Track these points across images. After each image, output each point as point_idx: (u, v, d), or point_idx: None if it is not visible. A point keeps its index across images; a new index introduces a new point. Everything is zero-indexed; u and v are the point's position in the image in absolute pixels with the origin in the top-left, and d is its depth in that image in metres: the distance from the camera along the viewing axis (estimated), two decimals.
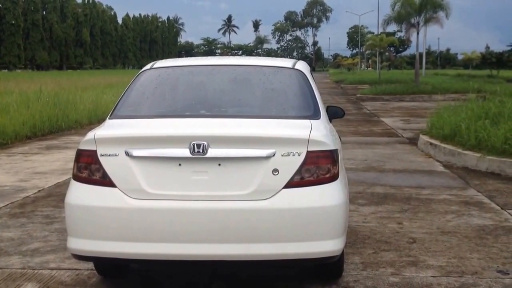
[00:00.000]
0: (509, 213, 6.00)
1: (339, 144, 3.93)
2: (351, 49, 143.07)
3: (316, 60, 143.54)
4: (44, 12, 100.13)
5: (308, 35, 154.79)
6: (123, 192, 3.46)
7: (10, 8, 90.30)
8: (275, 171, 3.42)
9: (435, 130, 10.63)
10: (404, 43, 78.89)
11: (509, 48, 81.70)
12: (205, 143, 3.39)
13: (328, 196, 3.48)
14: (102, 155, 3.51)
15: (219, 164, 3.43)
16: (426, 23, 31.51)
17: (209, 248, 3.41)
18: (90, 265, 4.30)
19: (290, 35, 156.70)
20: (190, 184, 3.43)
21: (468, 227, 5.49)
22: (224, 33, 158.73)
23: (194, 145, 3.38)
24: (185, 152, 3.40)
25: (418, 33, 31.67)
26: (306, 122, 3.74)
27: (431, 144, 10.03)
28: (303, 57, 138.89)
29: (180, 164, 3.44)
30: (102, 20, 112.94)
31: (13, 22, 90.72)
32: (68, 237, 3.64)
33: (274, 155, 3.41)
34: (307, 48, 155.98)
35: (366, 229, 5.45)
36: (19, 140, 12.37)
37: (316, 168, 3.46)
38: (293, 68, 4.47)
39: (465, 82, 32.64)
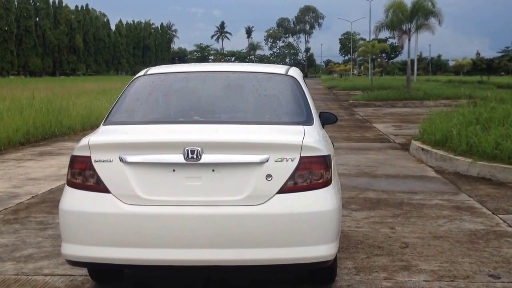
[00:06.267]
0: (500, 218, 6.05)
1: (332, 150, 3.96)
2: (344, 55, 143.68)
3: (309, 67, 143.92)
4: (37, 19, 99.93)
5: (300, 41, 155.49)
6: (117, 198, 3.47)
7: (3, 14, 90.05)
8: (269, 176, 3.44)
9: (427, 135, 10.69)
10: (396, 50, 79.41)
11: (499, 54, 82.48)
12: (199, 149, 3.41)
13: (321, 202, 3.51)
14: (96, 161, 3.52)
15: (213, 170, 3.45)
16: (417, 30, 31.74)
17: (203, 253, 3.42)
18: (84, 271, 4.30)
19: (283, 41, 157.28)
20: (184, 189, 3.46)
21: (460, 232, 5.54)
22: (217, 40, 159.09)
23: (188, 151, 3.41)
24: (179, 158, 3.42)
25: (409, 40, 31.87)
26: (299, 128, 3.77)
27: (422, 149, 10.09)
28: (295, 63, 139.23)
29: (174, 170, 3.46)
30: (95, 26, 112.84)
31: (6, 28, 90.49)
32: (62, 243, 3.65)
33: (267, 160, 3.44)
34: (300, 54, 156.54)
35: (359, 234, 5.48)
36: (13, 147, 12.33)
37: (309, 174, 3.49)
38: (286, 75, 4.51)
39: (456, 88, 32.91)
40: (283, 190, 3.45)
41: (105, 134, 3.81)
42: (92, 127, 14.58)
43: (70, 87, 37.11)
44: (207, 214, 3.41)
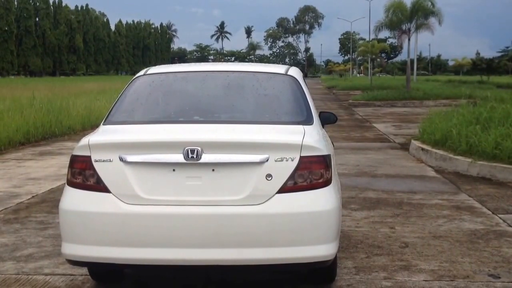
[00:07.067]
0: (500, 218, 6.05)
1: (331, 150, 3.97)
2: (343, 55, 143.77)
3: (308, 66, 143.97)
4: (37, 19, 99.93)
5: (300, 41, 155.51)
6: (117, 198, 3.48)
7: (3, 14, 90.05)
8: (269, 176, 3.45)
9: (427, 135, 10.70)
10: (395, 49, 79.45)
11: (499, 54, 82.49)
12: (199, 148, 3.42)
13: (321, 201, 3.51)
14: (96, 161, 3.53)
15: (213, 170, 3.46)
16: (417, 30, 31.77)
17: (203, 253, 3.43)
18: (84, 270, 4.31)
19: (283, 41, 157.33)
20: (184, 189, 3.46)
21: (460, 232, 5.54)
22: (217, 40, 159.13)
23: (188, 150, 3.41)
24: (179, 157, 3.43)
25: (409, 40, 31.89)
26: (299, 127, 3.78)
27: (422, 149, 10.10)
28: (295, 63, 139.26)
29: (174, 170, 3.47)
30: (95, 26, 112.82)
31: (6, 28, 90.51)
32: (62, 243, 3.65)
33: (267, 160, 3.44)
34: (299, 54, 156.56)
35: (359, 233, 5.49)
36: (13, 146, 12.34)
37: (309, 173, 3.50)
38: (286, 74, 4.51)
39: (456, 88, 32.93)
40: (283, 189, 3.45)
41: (105, 134, 3.81)
42: (92, 127, 14.59)
43: (70, 87, 37.11)
44: (207, 214, 3.42)
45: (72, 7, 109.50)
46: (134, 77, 4.62)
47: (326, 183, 3.55)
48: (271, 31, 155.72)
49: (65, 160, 4.44)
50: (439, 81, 54.42)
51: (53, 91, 28.15)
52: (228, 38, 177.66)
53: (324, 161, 3.56)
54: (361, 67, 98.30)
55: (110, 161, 3.50)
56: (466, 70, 69.72)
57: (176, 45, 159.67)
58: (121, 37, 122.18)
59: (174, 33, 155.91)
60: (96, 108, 18.65)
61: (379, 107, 25.36)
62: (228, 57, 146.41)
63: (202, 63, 5.43)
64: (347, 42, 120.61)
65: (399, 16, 30.57)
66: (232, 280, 4.37)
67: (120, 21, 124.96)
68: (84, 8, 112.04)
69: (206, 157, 3.42)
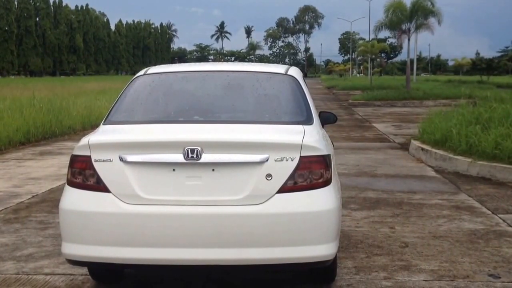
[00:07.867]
0: (500, 218, 6.05)
1: (331, 149, 3.97)
2: (343, 55, 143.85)
3: (308, 66, 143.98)
4: (37, 19, 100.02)
5: (300, 41, 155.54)
6: (117, 197, 3.48)
7: (3, 14, 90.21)
8: (269, 176, 3.45)
9: (426, 135, 10.70)
10: (395, 49, 79.48)
11: (499, 54, 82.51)
12: (199, 148, 3.42)
13: (321, 201, 3.52)
14: (96, 161, 3.53)
15: (213, 169, 3.46)
16: (417, 30, 31.80)
17: (203, 252, 3.43)
18: (84, 270, 4.31)
19: (282, 41, 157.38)
20: (184, 189, 3.46)
21: (460, 232, 5.54)
22: (217, 39, 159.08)
23: (188, 150, 3.41)
24: (179, 157, 3.43)
25: (409, 40, 31.93)
26: (299, 127, 3.78)
27: (422, 149, 10.10)
28: (295, 63, 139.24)
29: (174, 170, 3.47)
30: (95, 26, 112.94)
31: (6, 28, 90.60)
32: (62, 243, 3.66)
33: (267, 160, 3.44)
34: (299, 54, 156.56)
35: (359, 233, 5.49)
36: (13, 146, 12.34)
37: (309, 173, 3.50)
38: (286, 74, 4.51)
39: (455, 88, 32.92)
40: (283, 189, 3.45)
41: (105, 134, 3.81)
42: (92, 126, 14.58)
43: (70, 87, 37.14)
44: (207, 214, 3.42)
45: (72, 7, 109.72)
46: (134, 77, 4.61)
47: (326, 183, 3.55)
48: (271, 31, 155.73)
49: (65, 160, 4.44)
50: (439, 81, 54.45)
51: (53, 91, 28.19)
52: (228, 38, 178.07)
53: (324, 161, 3.56)
54: (361, 67, 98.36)
55: (110, 161, 3.51)
56: (466, 70, 69.77)
57: (176, 45, 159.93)
58: (121, 37, 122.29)
59: (174, 33, 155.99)
60: (96, 108, 18.64)
61: (379, 107, 25.36)
62: (228, 57, 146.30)
63: (202, 63, 5.43)
64: (347, 42, 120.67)
65: (399, 16, 30.62)
66: (232, 279, 4.37)
67: (120, 21, 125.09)
68: (84, 8, 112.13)
69: (206, 157, 3.42)
